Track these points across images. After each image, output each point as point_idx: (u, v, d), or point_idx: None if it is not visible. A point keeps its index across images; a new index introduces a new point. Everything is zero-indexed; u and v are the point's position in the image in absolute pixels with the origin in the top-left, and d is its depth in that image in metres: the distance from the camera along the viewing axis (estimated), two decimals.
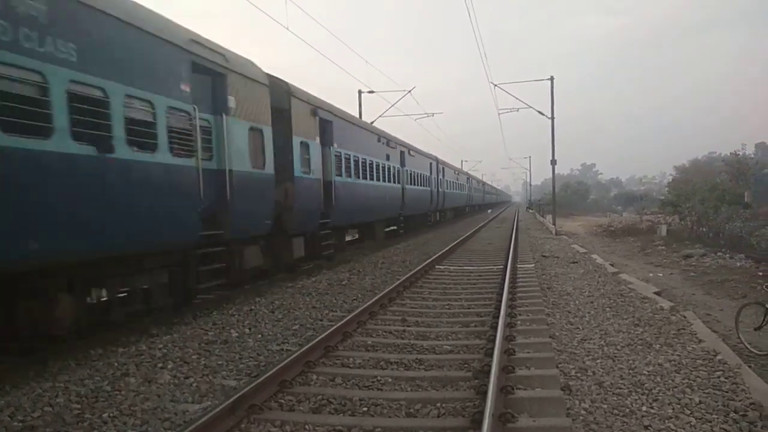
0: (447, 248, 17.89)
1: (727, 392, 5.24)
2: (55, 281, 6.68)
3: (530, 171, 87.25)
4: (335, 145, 15.38)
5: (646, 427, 4.54)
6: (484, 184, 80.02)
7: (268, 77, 11.68)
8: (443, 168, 36.14)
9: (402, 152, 24.38)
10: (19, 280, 6.25)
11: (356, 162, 17.58)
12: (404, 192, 24.34)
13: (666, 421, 4.65)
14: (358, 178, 17.81)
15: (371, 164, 19.32)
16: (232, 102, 9.79)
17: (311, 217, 13.70)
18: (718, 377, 5.64)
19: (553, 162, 31.41)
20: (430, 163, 31.67)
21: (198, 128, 8.74)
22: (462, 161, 73.86)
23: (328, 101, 15.30)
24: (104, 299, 7.52)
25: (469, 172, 63.62)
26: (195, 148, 8.66)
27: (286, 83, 12.59)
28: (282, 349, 6.95)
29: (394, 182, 22.88)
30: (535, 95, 31.07)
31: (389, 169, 22.01)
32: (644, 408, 4.91)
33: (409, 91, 30.97)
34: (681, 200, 27.03)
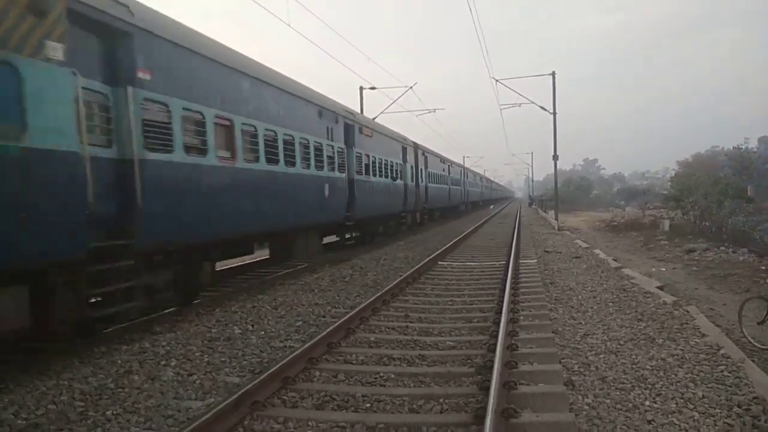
0: (449, 244, 17.90)
1: (730, 387, 5.24)
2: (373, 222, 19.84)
3: (532, 167, 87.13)
4: (427, 167, 29.00)
5: (649, 422, 4.54)
6: (491, 181, 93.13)
7: (413, 143, 26.24)
8: (467, 172, 51.82)
9: (448, 165, 37.40)
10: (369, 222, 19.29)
11: (433, 174, 30.84)
12: (450, 190, 37.23)
13: (669, 415, 4.65)
14: (433, 183, 30.94)
15: (438, 175, 32.64)
16: (407, 157, 24.22)
17: (420, 203, 26.94)
18: (722, 372, 5.64)
19: (555, 157, 31.29)
20: (461, 170, 45.36)
21: (407, 169, 23.95)
22: (464, 157, 73.92)
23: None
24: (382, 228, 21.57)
25: (483, 173, 78.67)
26: (405, 177, 23.57)
27: (415, 143, 26.69)
28: (285, 346, 6.96)
29: (444, 184, 35.39)
30: (536, 91, 30.97)
31: (444, 177, 35.09)
32: (647, 403, 4.91)
33: (411, 87, 30.84)
34: (684, 195, 26.95)
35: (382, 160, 19.88)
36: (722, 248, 17.63)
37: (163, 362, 6.33)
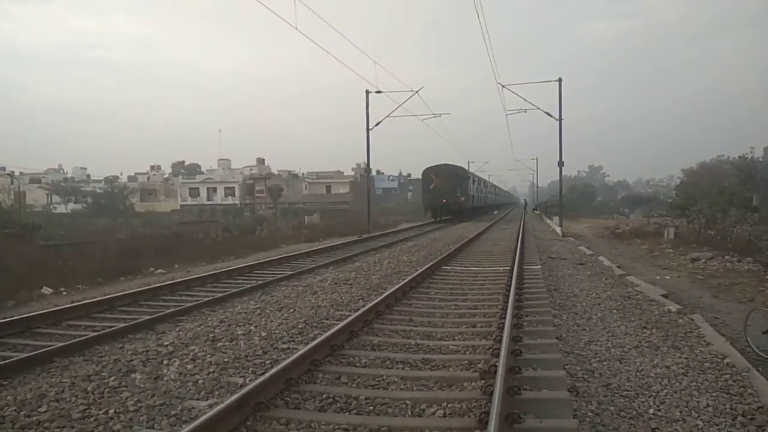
0: (453, 249, 17.87)
1: (735, 395, 5.22)
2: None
3: (537, 173, 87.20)
4: (476, 183, 43.23)
5: (653, 430, 4.52)
6: (495, 187, 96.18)
7: (471, 172, 47.21)
8: (483, 181, 59.72)
9: (468, 177, 44.22)
10: None
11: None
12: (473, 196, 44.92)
13: (673, 423, 4.63)
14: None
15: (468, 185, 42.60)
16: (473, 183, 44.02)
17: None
18: (726, 380, 5.62)
19: (561, 164, 31.26)
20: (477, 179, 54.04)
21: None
22: (468, 162, 74.05)
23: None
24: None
25: (488, 178, 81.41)
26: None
27: (465, 169, 45.25)
28: (288, 348, 6.96)
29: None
30: (542, 97, 31.02)
31: (470, 188, 43.21)
32: (651, 410, 4.89)
33: (417, 92, 30.89)
34: (689, 203, 26.94)
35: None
36: (727, 257, 17.56)
37: (166, 361, 6.33)
